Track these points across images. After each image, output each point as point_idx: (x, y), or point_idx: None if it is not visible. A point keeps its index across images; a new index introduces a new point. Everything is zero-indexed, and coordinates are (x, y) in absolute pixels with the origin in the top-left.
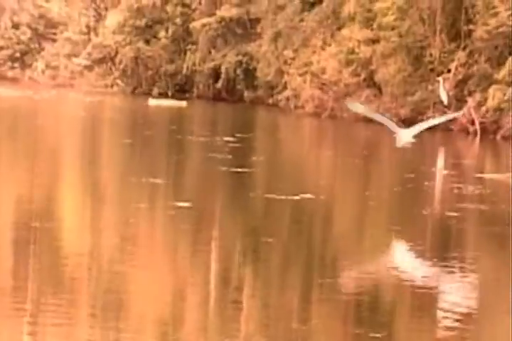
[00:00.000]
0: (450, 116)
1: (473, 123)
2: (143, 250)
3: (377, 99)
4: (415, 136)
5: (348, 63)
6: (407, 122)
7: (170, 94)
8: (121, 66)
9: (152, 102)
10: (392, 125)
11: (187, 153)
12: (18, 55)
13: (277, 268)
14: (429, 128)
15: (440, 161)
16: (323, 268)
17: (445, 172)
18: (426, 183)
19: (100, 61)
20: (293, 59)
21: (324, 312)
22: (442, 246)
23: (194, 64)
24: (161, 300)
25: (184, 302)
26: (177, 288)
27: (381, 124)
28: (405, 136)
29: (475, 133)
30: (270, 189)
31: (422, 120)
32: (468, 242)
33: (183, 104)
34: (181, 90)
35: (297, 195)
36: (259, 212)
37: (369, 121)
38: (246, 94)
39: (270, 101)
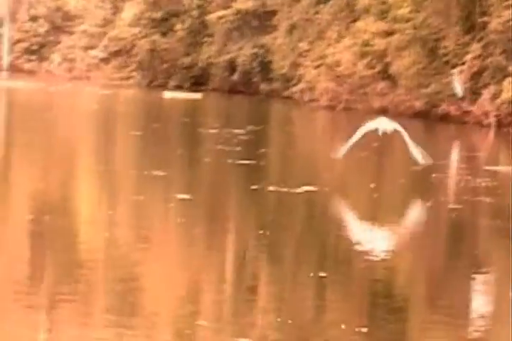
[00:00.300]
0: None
1: (487, 115)
2: (150, 242)
3: (392, 91)
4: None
5: (363, 55)
6: (422, 114)
7: (186, 86)
8: (138, 59)
9: (167, 95)
10: (373, 124)
11: (195, 145)
12: (35, 47)
13: (276, 259)
14: (443, 120)
15: (451, 154)
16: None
17: (455, 164)
18: (433, 175)
19: (116, 54)
20: (308, 51)
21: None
22: (440, 238)
23: (210, 56)
24: (175, 292)
25: (198, 293)
26: (191, 279)
27: (395, 117)
28: (386, 125)
29: (489, 125)
30: (273, 181)
31: (436, 112)
32: (466, 235)
33: (198, 96)
34: (197, 83)
35: (300, 187)
36: (257, 204)
37: (383, 113)
38: (262, 86)
39: (286, 93)
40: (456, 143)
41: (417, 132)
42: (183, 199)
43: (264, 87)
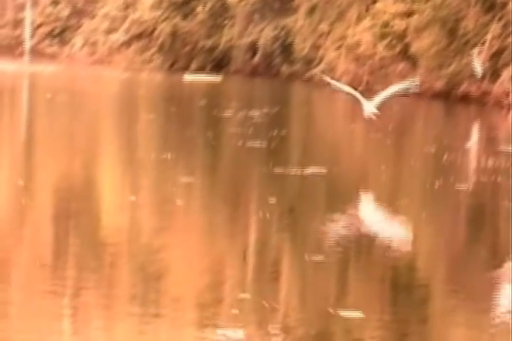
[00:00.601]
0: (403, 84)
1: (507, 95)
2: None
3: (412, 72)
4: (378, 107)
5: (383, 36)
6: (442, 95)
7: (207, 69)
8: (159, 42)
9: (187, 78)
10: (359, 97)
11: (208, 128)
12: (56, 31)
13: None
14: (463, 101)
15: (468, 135)
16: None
17: (469, 145)
18: (445, 157)
19: (138, 37)
20: (328, 33)
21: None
22: (446, 219)
23: (231, 39)
24: (200, 275)
25: (222, 275)
26: (215, 261)
27: (416, 98)
28: (368, 107)
29: (509, 106)
30: (282, 163)
31: (456, 93)
32: (475, 216)
33: (218, 79)
34: (219, 65)
35: (309, 168)
36: (260, 186)
37: (403, 94)
38: (283, 69)
39: (307, 76)
40: (474, 123)
41: (437, 113)
42: (185, 183)
43: (285, 69)
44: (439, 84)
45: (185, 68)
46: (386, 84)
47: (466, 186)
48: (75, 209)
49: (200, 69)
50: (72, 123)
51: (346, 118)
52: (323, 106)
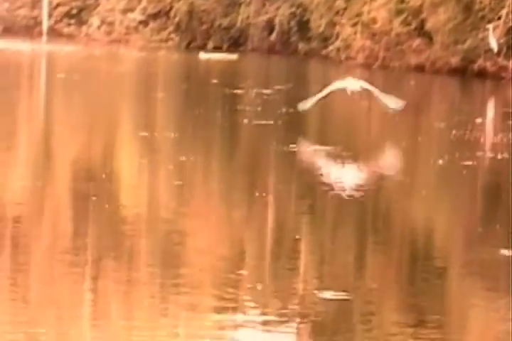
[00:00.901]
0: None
1: None
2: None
3: (428, 48)
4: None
5: (399, 12)
6: (458, 71)
7: (224, 47)
8: (176, 20)
9: (203, 56)
10: (340, 84)
11: (215, 106)
12: (74, 11)
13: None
14: (479, 76)
15: (481, 110)
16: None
17: (479, 120)
18: (453, 132)
19: (155, 16)
20: (345, 9)
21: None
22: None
23: (248, 17)
24: (219, 253)
25: (243, 252)
26: (234, 238)
27: (431, 74)
28: (352, 85)
29: None
30: (285, 141)
31: (472, 68)
32: (471, 191)
33: (234, 57)
34: (236, 43)
35: (311, 146)
36: (256, 163)
37: (420, 70)
38: (300, 46)
39: (324, 53)
40: (488, 99)
41: (453, 89)
42: (182, 161)
43: (302, 46)
44: (455, 60)
45: (202, 47)
46: (402, 61)
47: (473, 162)
48: (94, 186)
49: (217, 48)
50: (89, 101)
51: (361, 94)
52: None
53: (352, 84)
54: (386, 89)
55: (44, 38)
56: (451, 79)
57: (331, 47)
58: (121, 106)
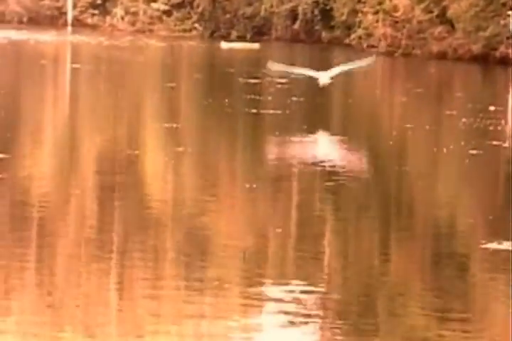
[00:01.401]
0: (363, 62)
1: None
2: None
3: (450, 35)
4: (332, 78)
5: (420, 0)
6: (479, 58)
7: (248, 36)
8: (199, 10)
9: (224, 45)
10: (312, 73)
11: (226, 95)
12: (98, 2)
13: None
14: (501, 63)
15: (498, 98)
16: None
17: (492, 108)
18: (463, 120)
19: (179, 6)
20: None
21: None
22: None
23: (272, 6)
24: (243, 242)
25: (266, 241)
26: (257, 227)
27: (453, 62)
28: (324, 78)
29: None
30: (286, 130)
31: (494, 55)
32: (476, 179)
33: (256, 46)
34: (259, 32)
35: (311, 135)
36: (255, 152)
37: (441, 57)
38: (323, 34)
39: (347, 41)
40: (508, 86)
41: (474, 76)
42: (179, 152)
43: (325, 34)
44: (476, 47)
45: (226, 36)
46: (424, 48)
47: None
48: (120, 171)
49: (241, 37)
50: (113, 90)
51: (384, 81)
52: (354, 72)
53: (323, 78)
54: (400, 77)
55: (69, 28)
56: (472, 66)
57: (353, 36)
58: (138, 94)
